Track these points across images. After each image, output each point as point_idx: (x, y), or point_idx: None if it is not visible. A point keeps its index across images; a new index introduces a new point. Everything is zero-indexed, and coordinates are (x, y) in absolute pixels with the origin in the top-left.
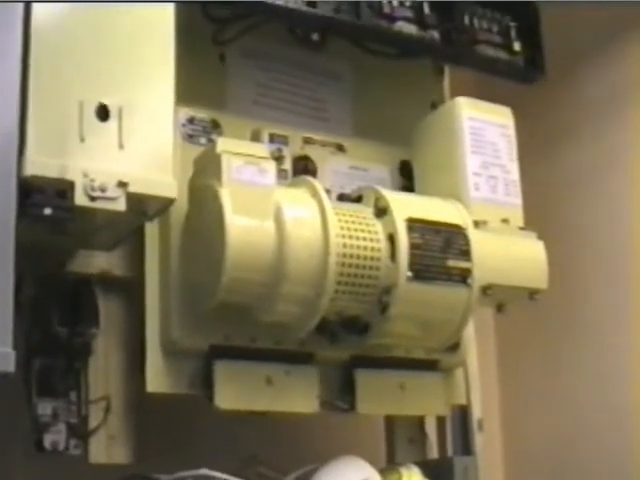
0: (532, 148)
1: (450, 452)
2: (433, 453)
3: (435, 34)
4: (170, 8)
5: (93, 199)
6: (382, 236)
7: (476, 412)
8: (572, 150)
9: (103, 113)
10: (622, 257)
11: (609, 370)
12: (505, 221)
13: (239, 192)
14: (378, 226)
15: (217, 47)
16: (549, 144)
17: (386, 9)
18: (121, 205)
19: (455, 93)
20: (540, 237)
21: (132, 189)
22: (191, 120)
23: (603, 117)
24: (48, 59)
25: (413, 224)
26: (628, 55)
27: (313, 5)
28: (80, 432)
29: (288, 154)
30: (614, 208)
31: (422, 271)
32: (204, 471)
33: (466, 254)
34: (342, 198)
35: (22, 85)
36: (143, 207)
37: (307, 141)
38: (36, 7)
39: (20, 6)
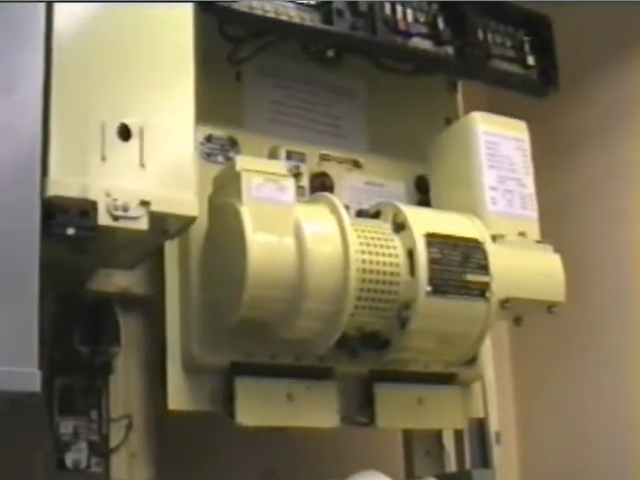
0: (546, 161)
1: (468, 465)
2: (451, 466)
3: (449, 49)
4: (189, 28)
5: (116, 218)
6: (401, 251)
7: (493, 425)
8: (586, 162)
9: (125, 133)
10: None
11: (626, 382)
12: (522, 234)
13: (259, 209)
14: (397, 241)
15: (233, 66)
16: (562, 157)
17: (401, 25)
18: (143, 224)
19: (468, 108)
20: (556, 249)
21: (154, 208)
22: (209, 138)
23: (616, 129)
24: (70, 80)
25: (432, 239)
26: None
27: (329, 22)
28: (101, 450)
29: (305, 171)
30: (630, 219)
31: (441, 285)
32: None
33: (484, 268)
34: (360, 214)
35: (44, 106)
36: (164, 225)
37: (324, 158)
38: (57, 30)
39: (42, 28)
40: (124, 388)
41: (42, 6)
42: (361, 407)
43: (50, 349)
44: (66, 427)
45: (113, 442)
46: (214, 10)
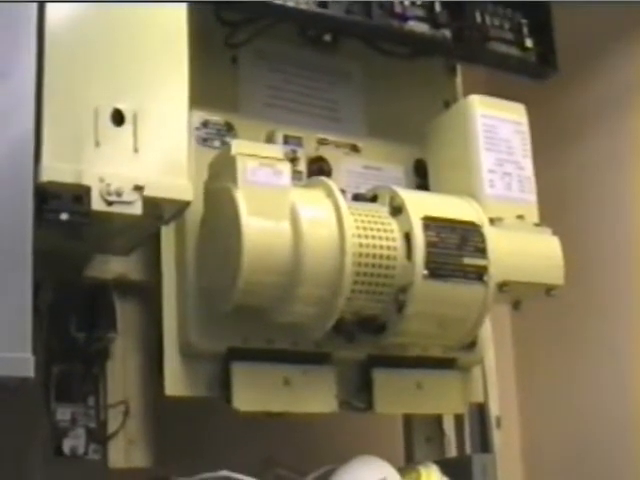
0: (545, 144)
1: (468, 450)
2: (451, 451)
3: (447, 32)
4: (183, 12)
5: (109, 203)
6: (398, 235)
7: (494, 410)
8: (586, 146)
9: (118, 118)
10: None
11: (628, 366)
12: (520, 218)
13: (254, 194)
14: (394, 225)
15: (229, 50)
16: (562, 140)
17: (397, 8)
18: (137, 209)
19: (468, 91)
20: (555, 233)
21: (148, 193)
22: (205, 123)
23: (616, 113)
24: (62, 65)
25: (429, 222)
26: None
27: (324, 6)
28: (99, 437)
29: (302, 155)
30: (631, 203)
31: (438, 269)
32: (224, 473)
33: (482, 251)
34: (357, 198)
35: (37, 92)
36: (159, 211)
37: (321, 142)
38: (50, 13)
39: (34, 13)
40: (121, 374)
41: None
42: (359, 392)
43: (47, 336)
44: (63, 414)
45: (111, 428)
46: None
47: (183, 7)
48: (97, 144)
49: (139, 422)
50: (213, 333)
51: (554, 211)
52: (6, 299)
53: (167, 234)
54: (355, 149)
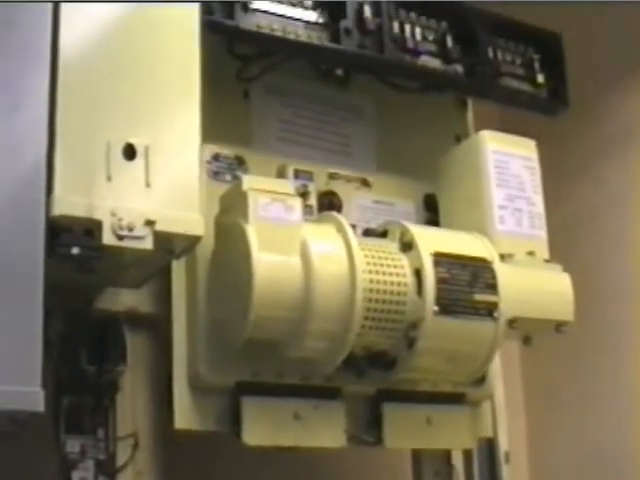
0: (556, 180)
1: None
2: None
3: (459, 67)
4: (195, 46)
5: (121, 238)
6: (408, 271)
7: (503, 444)
8: (597, 182)
9: (130, 152)
10: None
11: (638, 402)
12: (531, 254)
13: (265, 229)
14: (404, 261)
15: (241, 84)
16: (573, 176)
17: (410, 44)
18: (148, 244)
19: (479, 126)
20: (566, 269)
21: (159, 227)
22: (216, 157)
23: (627, 149)
24: (75, 99)
25: (439, 258)
26: None
27: (337, 41)
28: (108, 469)
29: (313, 190)
30: None
31: (449, 305)
32: None
33: (493, 287)
34: (368, 233)
35: (50, 125)
36: (170, 245)
37: (332, 176)
38: (63, 49)
39: (48, 47)
40: (131, 407)
41: (48, 25)
42: (369, 427)
43: (57, 366)
44: (73, 445)
45: (120, 461)
46: (222, 29)
47: (196, 41)
48: (109, 178)
49: (148, 455)
50: (223, 367)
51: (565, 247)
52: (16, 332)
53: (178, 267)
54: (366, 184)
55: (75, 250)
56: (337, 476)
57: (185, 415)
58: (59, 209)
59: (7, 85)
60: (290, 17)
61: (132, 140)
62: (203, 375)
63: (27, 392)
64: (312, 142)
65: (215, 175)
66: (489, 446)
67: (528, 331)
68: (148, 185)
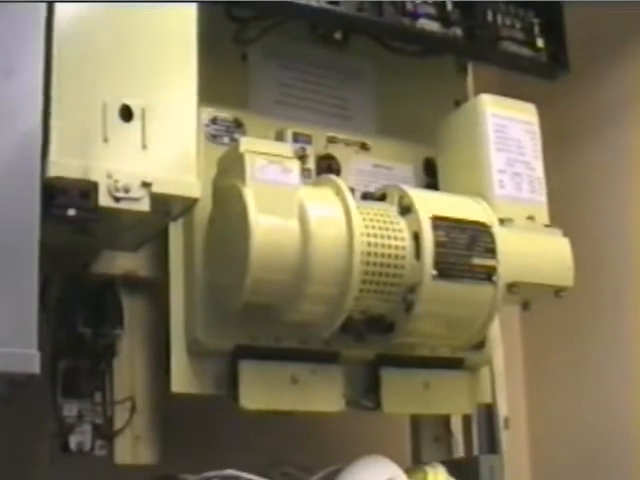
0: (556, 145)
1: (476, 451)
2: (459, 452)
3: (458, 31)
4: (192, 9)
5: (117, 200)
6: (407, 234)
7: (502, 410)
8: (597, 146)
9: (126, 114)
10: None
11: (638, 367)
12: (530, 218)
13: (263, 191)
14: (402, 224)
15: (239, 47)
16: (573, 140)
17: (409, 7)
18: (145, 205)
19: (478, 90)
20: (566, 234)
21: (156, 189)
22: (214, 120)
23: (628, 112)
24: (71, 61)
25: (438, 222)
26: None
27: (335, 3)
28: (105, 433)
29: (312, 153)
30: None
31: (447, 269)
32: (230, 472)
33: (491, 252)
34: (366, 197)
35: (45, 87)
36: (167, 207)
37: (331, 140)
38: (59, 10)
39: (43, 9)
40: (128, 371)
41: None
42: (367, 391)
43: (54, 331)
44: (70, 410)
45: (117, 425)
46: None
47: (193, 4)
48: (105, 140)
49: (146, 419)
50: (221, 331)
51: (564, 212)
52: (12, 295)
53: (175, 230)
54: (364, 147)
55: (71, 212)
56: (335, 442)
57: (182, 379)
58: (54, 171)
59: (1, 48)
60: None
61: (128, 102)
62: (200, 339)
63: (22, 354)
64: (311, 105)
65: (213, 138)
66: (488, 412)
67: (527, 296)
68: (145, 147)
